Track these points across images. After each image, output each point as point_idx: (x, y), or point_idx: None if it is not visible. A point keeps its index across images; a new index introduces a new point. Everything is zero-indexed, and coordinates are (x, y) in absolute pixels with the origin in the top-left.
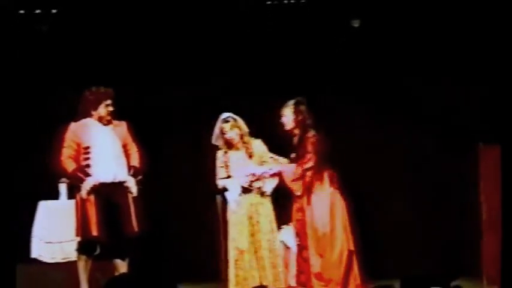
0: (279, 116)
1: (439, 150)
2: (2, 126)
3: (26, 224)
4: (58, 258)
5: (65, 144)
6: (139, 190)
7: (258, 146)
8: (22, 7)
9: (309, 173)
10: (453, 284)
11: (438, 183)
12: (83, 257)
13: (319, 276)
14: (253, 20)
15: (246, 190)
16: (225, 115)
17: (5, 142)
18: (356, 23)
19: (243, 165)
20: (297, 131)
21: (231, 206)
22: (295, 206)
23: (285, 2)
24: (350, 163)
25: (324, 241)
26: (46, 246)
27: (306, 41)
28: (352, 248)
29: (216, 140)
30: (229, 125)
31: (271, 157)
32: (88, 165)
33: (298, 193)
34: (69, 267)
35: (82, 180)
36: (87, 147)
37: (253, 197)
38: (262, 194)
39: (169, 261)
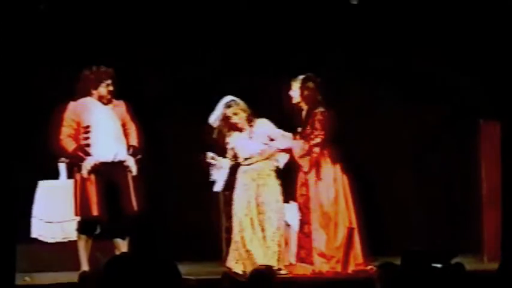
0: (288, 89)
1: (441, 127)
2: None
3: (26, 203)
4: (58, 238)
5: (65, 123)
6: (138, 169)
7: (264, 124)
8: None
9: (316, 149)
10: (454, 260)
11: (439, 159)
12: (83, 237)
13: (321, 252)
14: None
15: (249, 163)
16: (227, 99)
17: (2, 122)
18: (355, 1)
19: (247, 145)
20: (304, 106)
21: (238, 186)
22: (300, 181)
23: None
24: (352, 139)
25: (328, 217)
26: (46, 226)
27: (308, 16)
28: (353, 225)
29: (214, 121)
30: (232, 110)
31: (280, 133)
32: (88, 145)
33: (306, 169)
34: (69, 246)
35: (82, 160)
36: (87, 127)
37: (260, 176)
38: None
39: (170, 240)
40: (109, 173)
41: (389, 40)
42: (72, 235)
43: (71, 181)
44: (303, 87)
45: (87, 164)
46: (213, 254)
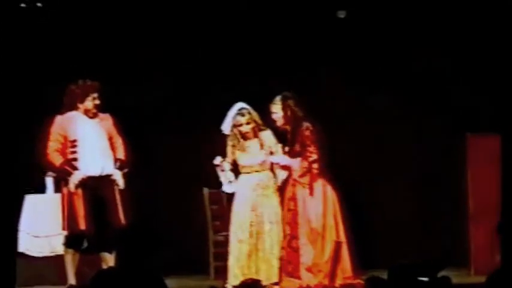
0: (270, 113)
1: (429, 139)
2: None
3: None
4: (45, 252)
5: (51, 137)
6: (126, 182)
7: (268, 136)
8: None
9: (315, 165)
10: (440, 274)
11: (427, 173)
12: (70, 251)
13: (308, 267)
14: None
15: (247, 171)
16: (239, 106)
17: None
18: (342, 14)
19: (256, 156)
20: (288, 126)
21: (237, 196)
22: (287, 195)
23: None
24: (339, 154)
25: (316, 232)
26: (33, 240)
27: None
28: (341, 239)
29: (227, 129)
30: (245, 119)
31: (281, 148)
32: (75, 159)
33: (306, 187)
34: (56, 261)
35: (70, 174)
36: (74, 141)
37: (259, 188)
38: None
39: (157, 254)
40: (96, 187)
41: (377, 51)
42: (60, 249)
43: (58, 195)
44: (284, 107)
45: (75, 179)
46: (200, 267)
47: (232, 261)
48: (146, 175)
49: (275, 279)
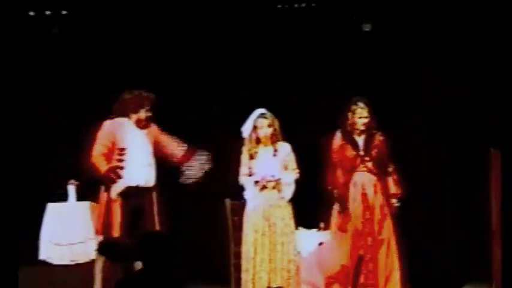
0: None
1: (452, 155)
2: (10, 127)
3: (31, 225)
4: (66, 260)
5: (99, 141)
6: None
7: (285, 147)
8: (32, 9)
9: (394, 176)
10: None
11: (451, 188)
12: (101, 258)
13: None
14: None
15: (262, 187)
16: (261, 110)
17: (11, 144)
18: (367, 27)
19: (268, 163)
20: (367, 131)
21: (249, 205)
22: (363, 204)
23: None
24: None
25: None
26: (55, 248)
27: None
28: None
29: (246, 131)
30: (267, 122)
31: (293, 165)
32: (121, 167)
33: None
34: (77, 269)
35: (114, 181)
36: (123, 149)
37: (272, 198)
38: (281, 197)
39: (179, 264)
40: (136, 197)
41: (402, 65)
42: (81, 257)
43: (81, 203)
44: (368, 111)
45: (118, 187)
46: (221, 279)
47: (243, 272)
48: (170, 186)
49: None
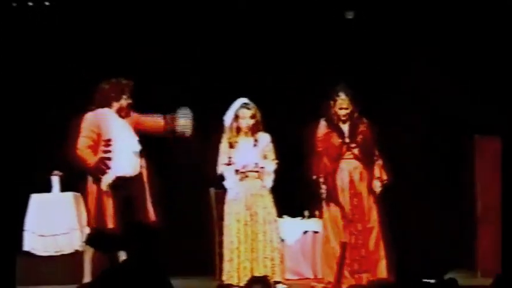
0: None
1: (435, 141)
2: None
3: (18, 216)
4: (51, 252)
5: (84, 133)
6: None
7: (265, 138)
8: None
9: (379, 161)
10: (447, 276)
11: (434, 175)
12: (90, 249)
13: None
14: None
15: (242, 176)
16: (244, 100)
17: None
18: (350, 15)
19: (248, 153)
20: (354, 115)
21: (230, 194)
22: (350, 191)
23: None
24: None
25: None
26: (39, 239)
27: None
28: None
29: (228, 121)
30: (250, 113)
31: (272, 155)
32: (109, 158)
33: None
34: (62, 260)
35: (104, 173)
36: (109, 140)
37: (254, 187)
38: (263, 185)
39: (163, 254)
40: (126, 187)
41: (385, 52)
42: (65, 248)
43: (65, 194)
44: (349, 96)
45: (109, 178)
46: (206, 268)
47: (227, 262)
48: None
49: (275, 279)
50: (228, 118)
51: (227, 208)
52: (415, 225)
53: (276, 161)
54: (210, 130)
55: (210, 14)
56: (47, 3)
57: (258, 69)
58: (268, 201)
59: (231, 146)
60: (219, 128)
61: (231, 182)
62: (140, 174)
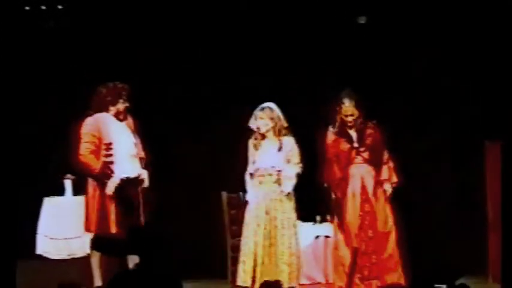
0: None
1: (446, 147)
2: (6, 121)
3: (29, 220)
4: (64, 255)
5: (85, 139)
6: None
7: (289, 141)
8: (27, 3)
9: (390, 164)
10: (459, 281)
11: (445, 180)
12: (97, 253)
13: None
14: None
15: (259, 180)
16: (265, 104)
17: (7, 138)
18: (362, 20)
19: (271, 156)
20: (360, 119)
21: (249, 198)
22: (361, 197)
23: None
24: None
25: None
26: (52, 242)
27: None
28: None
29: (251, 124)
30: (262, 114)
31: (297, 159)
32: (112, 162)
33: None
34: (72, 263)
35: (109, 177)
36: (109, 144)
37: (272, 192)
38: (281, 190)
39: (175, 257)
40: (128, 189)
41: (392, 60)
42: (78, 252)
43: (77, 198)
44: (355, 100)
45: (114, 182)
46: (218, 272)
47: (242, 266)
48: (166, 179)
49: (286, 285)
50: (251, 122)
51: (247, 212)
52: (426, 231)
53: (300, 165)
54: (226, 134)
55: (216, 17)
56: (59, 7)
57: (275, 71)
58: (288, 206)
59: (256, 148)
60: (237, 133)
61: (249, 185)
62: (141, 178)
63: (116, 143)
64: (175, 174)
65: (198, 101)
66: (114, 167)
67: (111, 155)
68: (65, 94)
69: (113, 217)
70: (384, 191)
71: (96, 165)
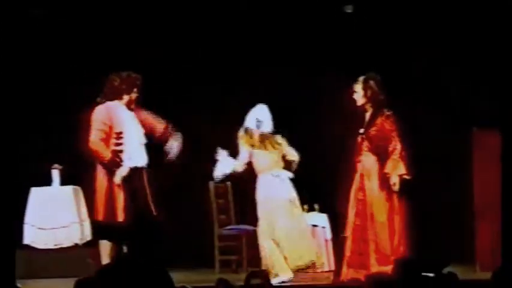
0: (351, 93)
1: (434, 135)
2: None
3: (19, 210)
4: (50, 245)
5: (96, 126)
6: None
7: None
8: None
9: (404, 154)
10: (446, 270)
11: (432, 169)
12: (105, 242)
13: (378, 258)
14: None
15: None
16: (259, 113)
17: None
18: (349, 9)
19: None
20: (368, 107)
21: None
22: (355, 185)
23: None
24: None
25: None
26: (39, 232)
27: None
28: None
29: (247, 126)
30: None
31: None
32: (121, 151)
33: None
34: (62, 253)
35: (119, 165)
36: (120, 133)
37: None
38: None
39: (158, 246)
40: (135, 178)
41: (386, 46)
42: (64, 242)
43: (65, 187)
44: (365, 88)
45: (123, 171)
46: (205, 261)
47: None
48: (152, 168)
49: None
50: (248, 124)
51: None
52: (413, 219)
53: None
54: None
55: (226, 14)
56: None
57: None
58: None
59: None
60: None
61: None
62: (144, 167)
63: (127, 132)
64: (162, 164)
65: (190, 91)
66: (123, 155)
67: (121, 144)
68: (52, 83)
69: (120, 205)
70: (388, 183)
71: (106, 153)
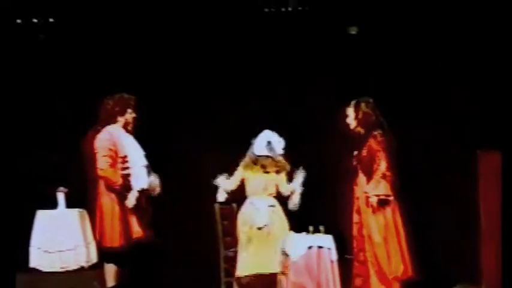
0: (345, 117)
1: (440, 157)
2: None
3: (25, 232)
4: (57, 268)
5: (103, 152)
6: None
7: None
8: (19, 16)
9: (388, 173)
10: None
11: (439, 191)
12: (110, 265)
13: (380, 279)
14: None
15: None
16: (267, 140)
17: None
18: (354, 30)
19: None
20: (361, 130)
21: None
22: (354, 207)
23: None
24: None
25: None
26: (45, 255)
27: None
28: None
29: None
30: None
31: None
32: (129, 174)
33: (391, 197)
34: (67, 276)
35: (129, 189)
36: (125, 157)
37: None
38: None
39: (168, 269)
40: (141, 201)
41: (388, 68)
42: (71, 264)
43: (70, 210)
44: (356, 111)
45: (134, 194)
46: (211, 283)
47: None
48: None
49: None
50: (256, 151)
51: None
52: (421, 241)
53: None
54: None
55: (220, 32)
56: (51, 20)
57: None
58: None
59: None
60: (225, 146)
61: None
62: (147, 190)
63: (130, 155)
64: (168, 186)
65: (193, 111)
66: (131, 179)
67: (127, 168)
68: (56, 106)
69: (134, 229)
70: (371, 203)
71: (116, 178)
